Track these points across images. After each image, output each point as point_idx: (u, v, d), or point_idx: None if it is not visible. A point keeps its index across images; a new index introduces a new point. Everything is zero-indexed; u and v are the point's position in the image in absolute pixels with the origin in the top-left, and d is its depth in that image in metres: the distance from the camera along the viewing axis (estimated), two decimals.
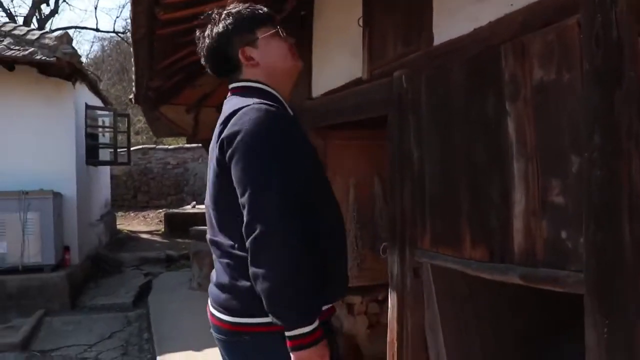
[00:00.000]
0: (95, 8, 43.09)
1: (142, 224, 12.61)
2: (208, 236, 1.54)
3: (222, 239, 1.46)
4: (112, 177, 12.25)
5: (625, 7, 1.27)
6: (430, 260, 2.19)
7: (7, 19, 14.33)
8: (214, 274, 1.53)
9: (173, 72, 5.03)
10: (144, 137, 18.25)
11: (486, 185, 1.83)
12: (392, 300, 2.44)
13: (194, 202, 12.38)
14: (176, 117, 7.37)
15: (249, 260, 1.32)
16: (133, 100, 6.11)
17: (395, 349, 2.38)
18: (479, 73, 1.88)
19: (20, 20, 15.88)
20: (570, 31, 1.48)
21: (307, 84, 3.65)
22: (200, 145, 9.53)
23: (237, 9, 1.53)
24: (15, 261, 5.96)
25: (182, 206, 12.54)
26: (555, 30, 1.54)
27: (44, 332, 5.28)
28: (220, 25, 1.51)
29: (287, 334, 1.31)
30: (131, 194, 14.20)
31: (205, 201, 1.55)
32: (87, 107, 7.65)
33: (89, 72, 9.91)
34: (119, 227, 11.32)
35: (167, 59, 4.46)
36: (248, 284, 1.36)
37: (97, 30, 21.19)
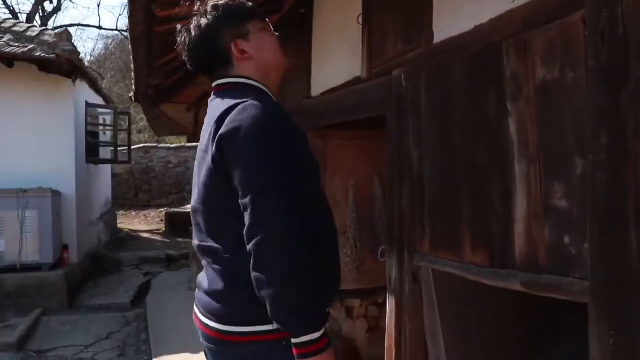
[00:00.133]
0: (98, 6, 43.19)
1: (143, 223, 12.59)
2: (196, 242, 1.46)
3: (215, 244, 1.38)
4: (114, 175, 12.23)
5: (633, 2, 1.21)
6: (429, 265, 2.13)
7: (9, 16, 14.31)
8: (203, 281, 1.45)
9: (173, 70, 4.98)
10: (147, 136, 18.27)
11: (487, 187, 1.77)
12: (390, 305, 2.38)
13: None
14: (177, 116, 7.35)
15: (251, 265, 1.25)
16: (133, 98, 6.08)
17: (394, 356, 2.32)
18: (479, 71, 1.83)
19: (23, 18, 15.91)
20: (574, 27, 1.42)
21: (306, 82, 3.60)
22: None
23: (223, 1, 1.48)
24: (13, 260, 5.94)
25: (183, 205, 12.50)
26: (559, 26, 1.48)
27: (41, 332, 5.25)
28: (209, 17, 1.45)
29: (294, 341, 1.24)
30: (133, 192, 14.20)
31: (193, 205, 1.46)
32: (88, 105, 7.62)
33: (90, 70, 9.88)
34: (119, 226, 11.30)
35: (166, 56, 4.41)
36: (247, 290, 1.28)
37: (99, 28, 21.19)
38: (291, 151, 1.32)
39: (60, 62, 6.07)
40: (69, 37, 6.45)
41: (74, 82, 6.82)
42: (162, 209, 13.05)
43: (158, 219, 12.65)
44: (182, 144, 14.73)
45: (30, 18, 15.80)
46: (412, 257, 2.24)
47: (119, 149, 9.11)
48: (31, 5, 16.71)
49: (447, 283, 2.14)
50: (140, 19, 3.58)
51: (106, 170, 10.42)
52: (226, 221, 1.34)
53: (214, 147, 1.31)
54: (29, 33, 6.30)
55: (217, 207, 1.37)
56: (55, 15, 18.45)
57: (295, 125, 1.42)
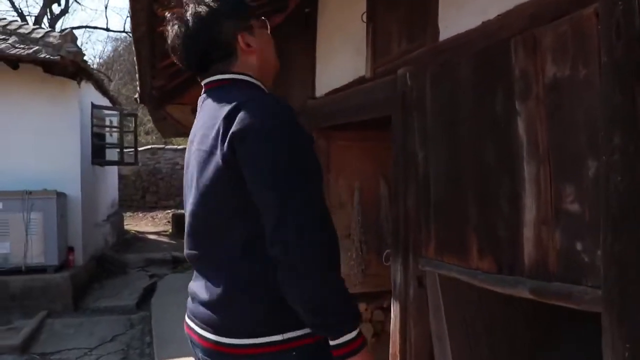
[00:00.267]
0: (106, 7, 43.50)
1: (150, 224, 12.60)
2: (191, 251, 1.39)
3: (219, 250, 1.31)
4: (121, 177, 12.24)
5: None
6: (434, 270, 2.07)
7: (17, 18, 14.38)
8: (198, 290, 1.36)
9: (177, 71, 4.94)
10: (154, 137, 18.28)
11: (494, 190, 1.71)
12: (394, 310, 2.32)
13: None
14: (182, 117, 7.32)
15: (280, 271, 1.18)
16: (138, 99, 6.05)
17: None
18: (486, 69, 1.76)
19: (31, 20, 15.99)
20: (586, 21, 1.35)
21: (310, 82, 3.54)
22: None
23: None
24: (18, 262, 5.93)
25: None
26: (569, 21, 1.41)
27: (45, 335, 5.23)
28: (211, 5, 1.36)
29: (333, 342, 1.19)
30: (140, 194, 14.20)
31: (190, 210, 1.38)
32: (94, 106, 7.60)
33: (95, 72, 9.89)
34: (126, 227, 11.30)
35: (170, 57, 4.37)
36: (249, 297, 1.24)
37: (107, 30, 21.31)
38: (307, 149, 1.26)
39: (65, 64, 6.06)
40: (73, 38, 6.44)
41: (79, 83, 6.81)
42: (169, 211, 13.04)
43: (165, 221, 12.64)
44: None
45: (38, 20, 15.88)
46: (417, 262, 2.18)
47: (126, 150, 9.10)
48: (39, 8, 16.79)
49: (454, 288, 2.08)
50: (143, 20, 3.54)
51: (113, 171, 10.41)
52: (230, 221, 1.28)
53: (225, 146, 1.23)
54: (33, 35, 6.30)
55: (221, 207, 1.30)
56: (63, 17, 18.56)
57: (301, 124, 1.36)
